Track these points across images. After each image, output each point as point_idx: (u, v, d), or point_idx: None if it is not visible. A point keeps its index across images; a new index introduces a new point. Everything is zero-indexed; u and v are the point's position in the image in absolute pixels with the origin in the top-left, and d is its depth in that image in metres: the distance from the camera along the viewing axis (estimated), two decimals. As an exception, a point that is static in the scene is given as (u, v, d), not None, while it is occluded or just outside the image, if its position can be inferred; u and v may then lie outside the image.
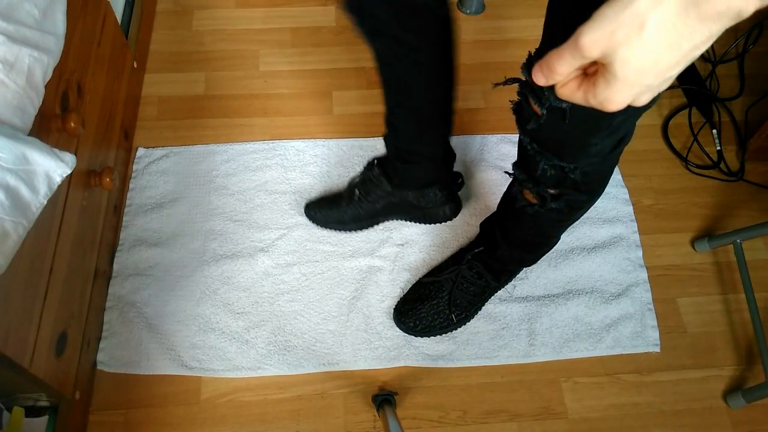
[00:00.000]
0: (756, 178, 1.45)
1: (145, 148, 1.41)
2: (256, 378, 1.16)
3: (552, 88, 0.46)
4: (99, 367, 1.14)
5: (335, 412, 1.14)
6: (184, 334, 1.18)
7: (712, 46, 1.64)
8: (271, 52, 1.60)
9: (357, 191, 1.26)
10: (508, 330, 1.22)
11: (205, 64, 1.56)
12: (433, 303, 1.19)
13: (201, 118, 1.47)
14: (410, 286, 1.24)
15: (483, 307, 1.23)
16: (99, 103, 1.16)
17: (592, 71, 0.44)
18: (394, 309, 1.22)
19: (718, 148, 1.48)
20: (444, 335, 1.20)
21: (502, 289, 1.25)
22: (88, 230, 1.10)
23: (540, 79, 0.45)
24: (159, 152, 1.40)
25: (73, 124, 0.93)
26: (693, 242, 1.35)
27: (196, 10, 1.66)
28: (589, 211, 1.36)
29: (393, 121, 1.08)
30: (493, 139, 1.46)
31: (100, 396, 1.13)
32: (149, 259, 1.26)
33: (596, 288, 1.27)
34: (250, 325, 1.20)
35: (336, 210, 1.28)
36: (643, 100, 0.43)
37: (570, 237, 1.32)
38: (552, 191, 0.86)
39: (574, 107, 0.54)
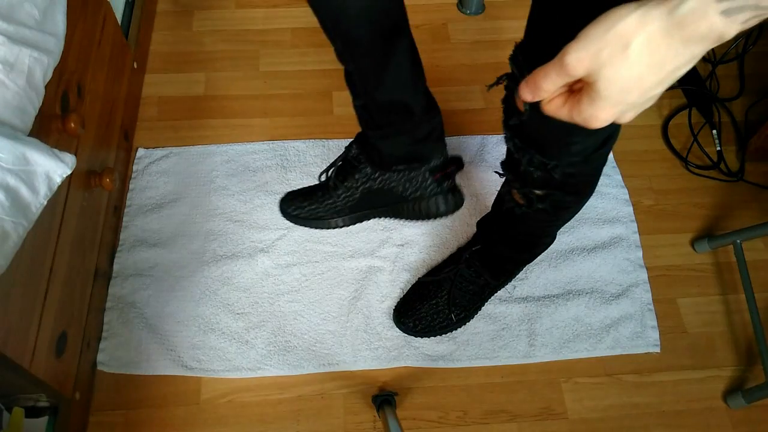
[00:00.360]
0: (756, 178, 1.45)
1: (145, 148, 1.41)
2: (256, 378, 1.16)
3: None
4: (99, 367, 1.14)
5: (335, 413, 1.14)
6: (184, 334, 1.18)
7: (712, 46, 1.65)
8: (271, 53, 1.60)
9: (332, 177, 1.14)
10: (508, 330, 1.22)
11: (205, 65, 1.56)
12: (433, 303, 1.19)
13: (201, 118, 1.47)
14: (410, 286, 1.24)
15: (483, 308, 1.23)
16: (99, 104, 1.16)
17: (578, 88, 0.45)
18: (394, 309, 1.22)
19: (718, 148, 1.48)
20: (444, 335, 1.20)
21: (502, 290, 1.25)
22: (88, 231, 1.10)
23: (526, 95, 0.46)
24: (159, 153, 1.40)
25: (73, 125, 0.93)
26: (693, 243, 1.35)
27: (197, 10, 1.67)
28: (589, 211, 1.37)
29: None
30: (493, 139, 1.46)
31: (100, 396, 1.13)
32: (149, 259, 1.26)
33: (596, 288, 1.27)
34: (250, 326, 1.20)
35: (309, 202, 1.17)
36: (626, 118, 0.44)
37: (570, 237, 1.33)
38: (538, 192, 0.87)
39: None
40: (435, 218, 1.14)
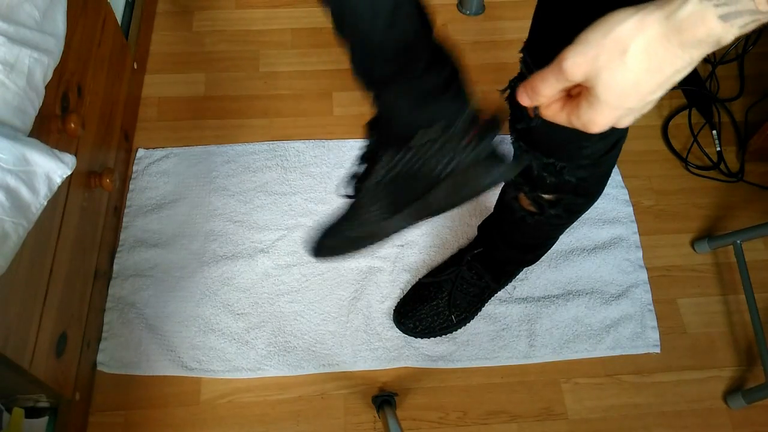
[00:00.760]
0: (756, 179, 1.45)
1: (145, 149, 1.41)
2: (256, 379, 1.16)
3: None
4: (99, 368, 1.14)
5: (335, 413, 1.14)
6: (184, 335, 1.18)
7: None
8: (271, 53, 1.60)
9: (352, 182, 0.85)
10: (508, 331, 1.22)
11: (205, 65, 1.56)
12: (433, 304, 1.19)
13: (201, 119, 1.47)
14: (410, 287, 1.24)
15: (483, 308, 1.23)
16: (99, 104, 1.16)
17: (576, 92, 0.45)
18: (394, 310, 1.22)
19: (718, 148, 1.48)
20: (444, 336, 1.20)
21: (502, 290, 1.25)
22: (88, 231, 1.10)
23: (525, 99, 0.46)
24: (159, 153, 1.40)
25: (73, 125, 0.93)
26: (693, 243, 1.35)
27: (197, 11, 1.66)
28: (589, 212, 1.36)
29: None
30: (493, 139, 1.46)
31: (100, 397, 1.13)
32: (149, 260, 1.26)
33: (596, 289, 1.27)
34: (250, 326, 1.20)
35: (336, 225, 0.86)
36: (625, 123, 0.44)
37: (570, 238, 1.32)
38: (547, 197, 0.86)
39: None
40: (482, 192, 0.78)
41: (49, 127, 0.90)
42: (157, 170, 1.38)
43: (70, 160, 0.78)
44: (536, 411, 1.15)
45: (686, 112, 1.54)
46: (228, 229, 1.30)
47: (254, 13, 1.67)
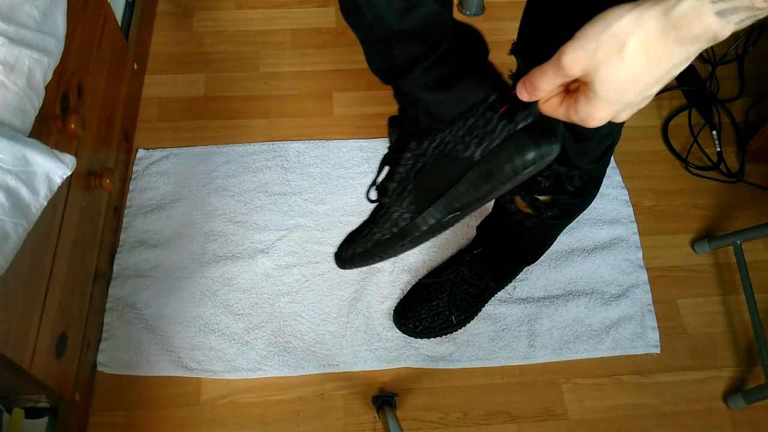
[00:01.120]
0: (756, 179, 1.45)
1: (145, 149, 1.41)
2: (256, 379, 1.16)
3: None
4: (99, 368, 1.14)
5: (335, 414, 1.14)
6: (184, 335, 1.18)
7: (712, 47, 1.65)
8: (271, 54, 1.60)
9: (372, 190, 0.79)
10: (508, 331, 1.22)
11: (205, 66, 1.56)
12: (433, 304, 1.19)
13: (201, 119, 1.47)
14: (410, 287, 1.24)
15: (483, 309, 1.23)
16: (99, 105, 1.16)
17: (574, 87, 0.45)
18: (394, 310, 1.22)
19: (718, 149, 1.48)
20: (444, 336, 1.20)
21: (502, 291, 1.25)
22: (88, 231, 1.10)
23: (523, 95, 0.47)
24: (159, 153, 1.40)
25: (73, 126, 0.93)
26: (693, 243, 1.35)
27: (197, 11, 1.67)
28: (589, 212, 1.36)
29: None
30: (493, 140, 1.46)
31: (100, 397, 1.13)
32: (149, 260, 1.26)
33: (596, 289, 1.27)
34: (250, 327, 1.20)
35: (364, 230, 0.82)
36: (622, 117, 0.45)
37: (570, 238, 1.32)
38: (543, 198, 0.86)
39: None
40: (517, 177, 0.67)
41: (49, 127, 0.90)
42: (157, 170, 1.38)
43: (70, 160, 0.78)
44: (536, 411, 1.15)
45: (686, 112, 1.54)
46: (228, 229, 1.30)
47: (254, 13, 1.67)
